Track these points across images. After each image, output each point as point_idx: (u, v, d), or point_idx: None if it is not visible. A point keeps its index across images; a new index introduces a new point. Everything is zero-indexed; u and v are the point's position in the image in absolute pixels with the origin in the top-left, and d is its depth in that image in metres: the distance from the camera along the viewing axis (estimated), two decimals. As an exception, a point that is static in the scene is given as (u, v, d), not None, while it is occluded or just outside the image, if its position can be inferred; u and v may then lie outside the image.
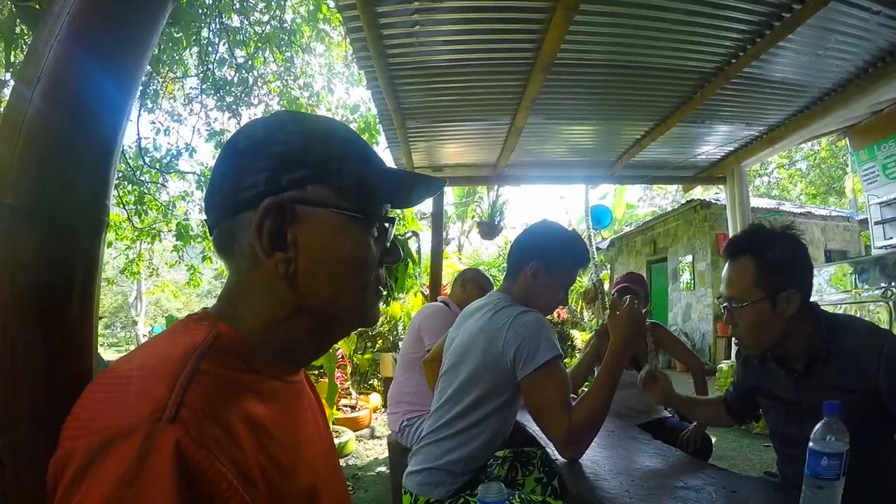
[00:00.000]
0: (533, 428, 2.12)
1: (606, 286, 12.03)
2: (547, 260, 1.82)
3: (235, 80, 7.15)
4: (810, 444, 1.07)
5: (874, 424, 1.36)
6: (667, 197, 19.90)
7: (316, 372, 5.16)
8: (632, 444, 2.00)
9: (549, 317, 7.14)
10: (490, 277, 3.74)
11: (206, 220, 0.75)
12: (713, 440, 2.92)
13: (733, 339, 1.78)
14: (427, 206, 7.91)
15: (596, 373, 2.99)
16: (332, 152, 0.72)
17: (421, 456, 1.75)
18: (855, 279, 5.14)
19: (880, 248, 6.18)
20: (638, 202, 20.70)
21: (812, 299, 1.52)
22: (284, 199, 0.68)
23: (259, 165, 0.68)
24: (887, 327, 4.29)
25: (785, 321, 1.47)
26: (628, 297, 1.89)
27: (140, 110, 6.79)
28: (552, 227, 1.94)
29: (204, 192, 0.68)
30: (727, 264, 1.59)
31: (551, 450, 1.80)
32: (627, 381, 3.00)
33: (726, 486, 1.49)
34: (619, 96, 4.08)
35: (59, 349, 0.70)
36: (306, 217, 0.69)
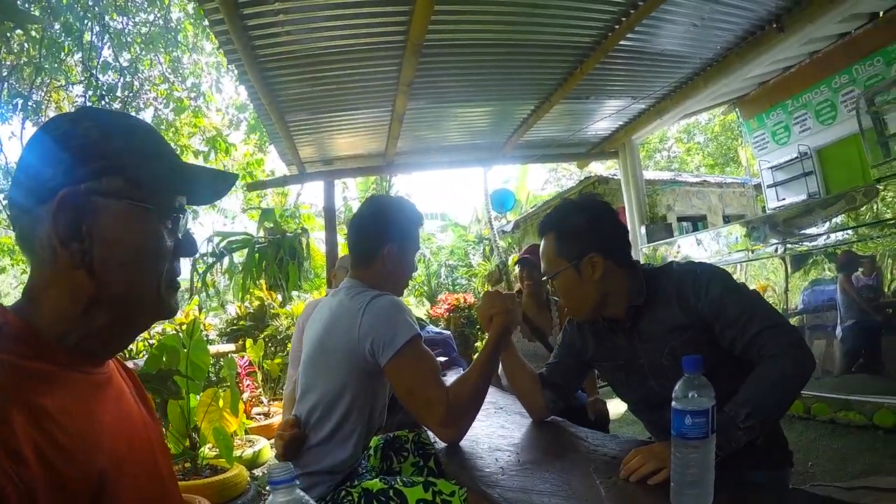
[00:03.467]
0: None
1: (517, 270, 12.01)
2: (399, 239, 1.74)
3: (120, 84, 6.77)
4: (673, 403, 1.03)
5: (719, 355, 1.39)
6: (572, 177, 20.25)
7: (227, 384, 4.99)
8: (519, 420, 1.96)
9: (455, 303, 7.03)
10: None
11: (8, 215, 0.76)
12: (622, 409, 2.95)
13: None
14: (321, 201, 7.75)
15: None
16: (128, 146, 0.75)
17: (298, 458, 1.64)
18: (749, 238, 5.41)
19: (774, 209, 6.56)
20: (545, 184, 20.98)
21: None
22: (80, 191, 0.71)
23: (57, 157, 0.71)
24: (783, 282, 4.50)
25: (597, 283, 1.53)
26: (492, 289, 1.86)
27: (24, 123, 6.62)
28: (386, 202, 1.86)
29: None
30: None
31: (431, 434, 1.75)
32: (533, 353, 2.99)
33: (607, 452, 1.48)
34: (497, 76, 4.06)
35: None
36: (101, 208, 0.72)
